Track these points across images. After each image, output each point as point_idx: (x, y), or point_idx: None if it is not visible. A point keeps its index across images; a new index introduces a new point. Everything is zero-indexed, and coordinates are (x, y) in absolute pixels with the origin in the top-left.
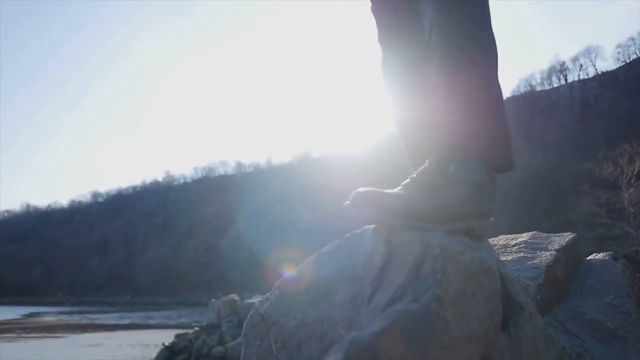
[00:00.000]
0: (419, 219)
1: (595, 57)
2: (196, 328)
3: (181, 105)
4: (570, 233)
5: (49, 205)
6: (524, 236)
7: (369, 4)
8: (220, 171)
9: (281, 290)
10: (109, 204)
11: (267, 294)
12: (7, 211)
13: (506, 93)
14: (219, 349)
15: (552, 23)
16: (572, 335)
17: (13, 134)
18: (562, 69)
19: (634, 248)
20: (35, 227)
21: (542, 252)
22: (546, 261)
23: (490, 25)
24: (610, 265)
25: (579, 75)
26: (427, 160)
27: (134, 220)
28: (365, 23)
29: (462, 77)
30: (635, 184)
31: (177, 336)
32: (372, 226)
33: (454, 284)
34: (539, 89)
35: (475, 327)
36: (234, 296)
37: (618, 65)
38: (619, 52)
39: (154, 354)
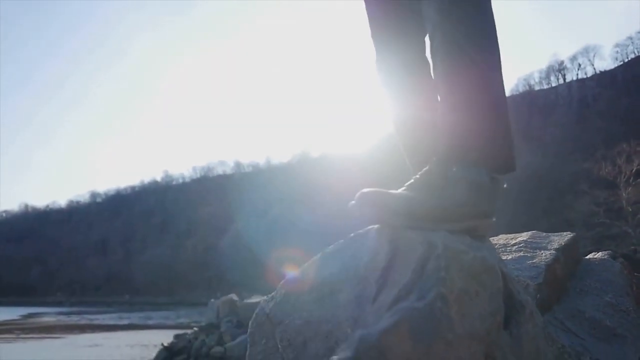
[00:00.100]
0: (422, 219)
1: (594, 56)
2: (195, 328)
3: (180, 105)
4: (569, 232)
5: (47, 206)
6: (524, 235)
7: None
8: (219, 171)
9: (286, 290)
10: (107, 204)
11: (272, 293)
12: (5, 211)
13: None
14: (218, 349)
15: (550, 22)
16: (572, 334)
17: (11, 134)
18: (560, 69)
19: (632, 247)
20: (34, 227)
21: (542, 251)
22: (546, 260)
23: (493, 25)
24: (609, 264)
25: (577, 74)
26: (430, 161)
27: (133, 220)
28: (364, 23)
29: (462, 77)
30: (634, 183)
31: (176, 336)
32: (375, 226)
33: (458, 283)
34: (537, 88)
35: (478, 326)
36: (233, 296)
37: (616, 65)
38: (617, 52)
39: (153, 354)
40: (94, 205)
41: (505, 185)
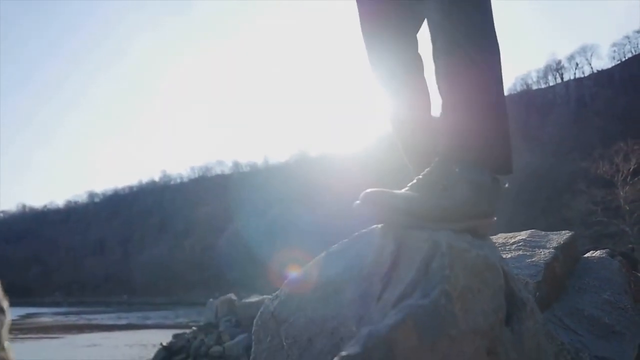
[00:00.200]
0: (425, 219)
1: (591, 55)
2: (194, 328)
3: (178, 105)
4: (568, 231)
5: (45, 206)
6: (523, 234)
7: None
8: (217, 171)
9: (290, 289)
10: (105, 204)
11: (277, 292)
12: (2, 211)
13: None
14: (216, 349)
15: (548, 22)
16: (571, 331)
17: (9, 133)
18: (558, 68)
19: (630, 246)
20: (31, 227)
21: (541, 250)
22: (545, 259)
23: (492, 25)
24: (607, 262)
25: (574, 73)
26: (431, 161)
27: (131, 220)
28: (356, 21)
29: (462, 77)
30: (631, 182)
31: (175, 336)
32: (379, 225)
33: (461, 280)
34: (535, 87)
35: (481, 322)
36: (232, 296)
37: (614, 64)
38: (614, 51)
39: (152, 354)
40: (91, 206)
41: (506, 185)
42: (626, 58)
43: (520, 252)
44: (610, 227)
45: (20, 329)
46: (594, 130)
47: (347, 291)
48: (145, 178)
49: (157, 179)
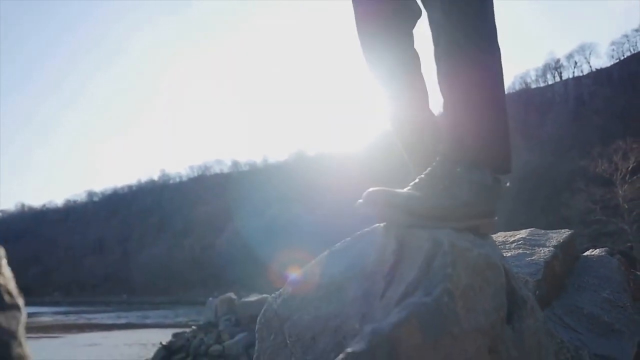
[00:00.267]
0: (428, 218)
1: (590, 54)
2: (193, 327)
3: (177, 104)
4: (567, 230)
5: (44, 205)
6: (522, 233)
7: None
8: (216, 170)
9: (293, 288)
10: (104, 203)
11: (280, 290)
12: (1, 211)
13: None
14: (216, 348)
15: (547, 20)
16: (570, 329)
17: (7, 133)
18: (556, 66)
19: (629, 244)
20: (30, 226)
21: (541, 248)
22: (544, 257)
23: (493, 25)
24: (607, 261)
25: (573, 72)
26: (432, 161)
27: (130, 220)
28: (351, 20)
29: (462, 77)
30: (630, 180)
31: (175, 335)
32: (382, 224)
33: (463, 279)
34: (533, 86)
35: (483, 320)
36: (231, 295)
37: (612, 63)
38: (613, 50)
39: (152, 353)
40: (91, 205)
41: (508, 184)
42: (625, 57)
43: (520, 251)
44: (609, 226)
45: None
46: (592, 128)
47: (350, 289)
48: (144, 177)
49: (156, 178)
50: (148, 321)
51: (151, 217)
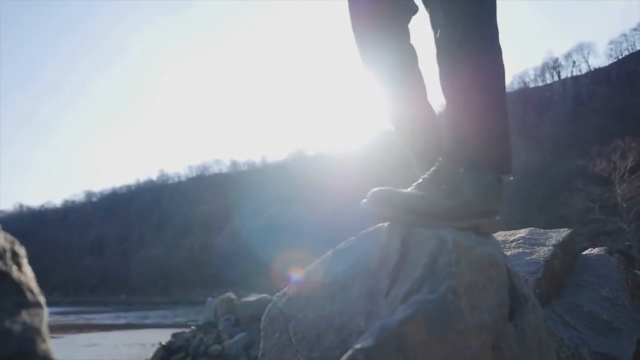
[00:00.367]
0: (431, 217)
1: (588, 53)
2: (193, 327)
3: (176, 104)
4: (566, 229)
5: (43, 205)
6: (522, 232)
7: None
8: (215, 170)
9: (298, 287)
10: (103, 203)
11: (284, 289)
12: (0, 211)
13: None
14: (216, 348)
15: (545, 19)
16: (570, 327)
17: (7, 133)
18: (555, 66)
19: (627, 243)
20: (29, 227)
21: (540, 247)
22: (544, 256)
23: (494, 24)
24: (606, 259)
25: (571, 71)
26: (436, 161)
27: (129, 220)
28: (347, 19)
29: (462, 77)
30: (628, 179)
31: (174, 335)
32: (386, 224)
33: (467, 277)
34: (532, 85)
35: (486, 317)
36: (231, 294)
37: (610, 62)
38: (611, 49)
39: (151, 354)
40: (89, 205)
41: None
42: (623, 56)
43: (520, 250)
44: (607, 225)
45: None
46: (591, 128)
47: (355, 287)
48: (143, 177)
49: (154, 178)
50: (147, 321)
51: (150, 217)
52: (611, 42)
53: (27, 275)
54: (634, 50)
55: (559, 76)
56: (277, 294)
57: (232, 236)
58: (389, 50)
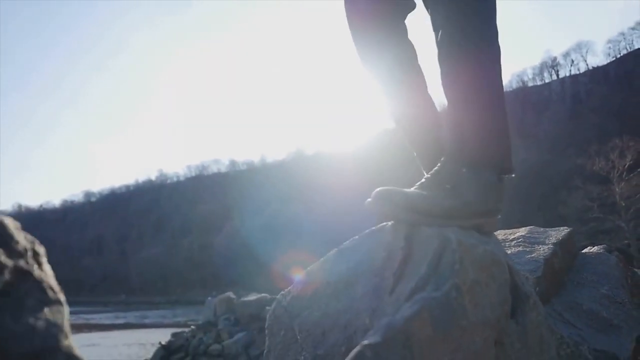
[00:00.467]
0: (434, 216)
1: (586, 52)
2: (192, 326)
3: (174, 104)
4: (566, 227)
5: (41, 205)
6: (522, 231)
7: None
8: (214, 169)
9: (302, 286)
10: (102, 203)
11: (289, 287)
12: None
13: None
14: (215, 347)
15: (543, 18)
16: (570, 325)
17: (5, 133)
18: (553, 65)
19: (626, 241)
20: (28, 227)
21: (540, 246)
22: (544, 255)
23: (494, 25)
24: (605, 257)
25: (570, 70)
26: (438, 160)
27: (128, 220)
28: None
29: (462, 78)
30: (627, 178)
31: (174, 335)
32: (389, 223)
33: (471, 275)
34: (530, 84)
35: (489, 314)
36: (230, 294)
37: (609, 61)
38: (609, 48)
39: (151, 353)
40: (88, 205)
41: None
42: (621, 55)
43: (520, 248)
44: (606, 223)
45: None
46: (589, 126)
47: (359, 286)
48: (142, 177)
49: (153, 178)
50: (147, 321)
51: (149, 217)
52: (609, 41)
53: (47, 273)
54: (632, 49)
55: (557, 75)
56: (282, 292)
57: (232, 236)
58: (387, 49)
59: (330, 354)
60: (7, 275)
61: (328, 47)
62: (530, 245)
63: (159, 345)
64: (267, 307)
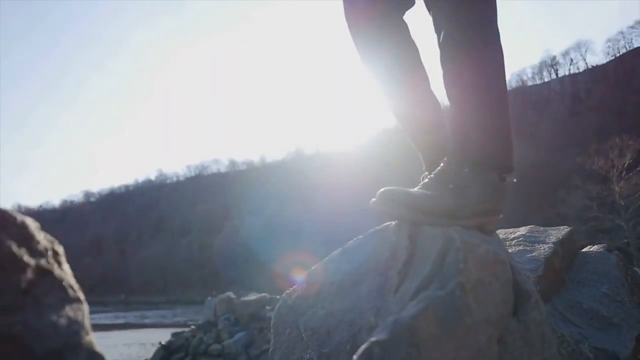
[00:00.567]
0: (438, 216)
1: (586, 51)
2: (192, 326)
3: (173, 103)
4: (566, 226)
5: (41, 206)
6: (522, 230)
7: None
8: (213, 169)
9: (307, 285)
10: (101, 203)
11: (294, 287)
12: None
13: None
14: (215, 347)
15: (542, 17)
16: (571, 324)
17: (4, 133)
18: (552, 64)
19: (625, 240)
20: None
21: (540, 245)
22: (544, 254)
23: (496, 26)
24: (605, 256)
25: (569, 69)
26: (441, 160)
27: (127, 220)
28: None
29: (464, 79)
30: (626, 177)
31: (174, 335)
32: (393, 222)
33: (474, 274)
34: (530, 83)
35: (492, 312)
36: (230, 294)
37: (608, 60)
38: (608, 46)
39: (151, 353)
40: (87, 205)
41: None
42: (620, 53)
43: (521, 247)
44: (605, 223)
45: None
46: (588, 125)
47: (364, 284)
48: (141, 177)
49: (153, 177)
50: (146, 321)
51: (149, 217)
52: (608, 40)
53: (66, 272)
54: (631, 48)
55: (556, 74)
56: (287, 291)
57: (231, 235)
58: (387, 49)
59: (336, 352)
60: (29, 274)
61: (328, 47)
62: (530, 245)
63: (159, 345)
64: (267, 307)
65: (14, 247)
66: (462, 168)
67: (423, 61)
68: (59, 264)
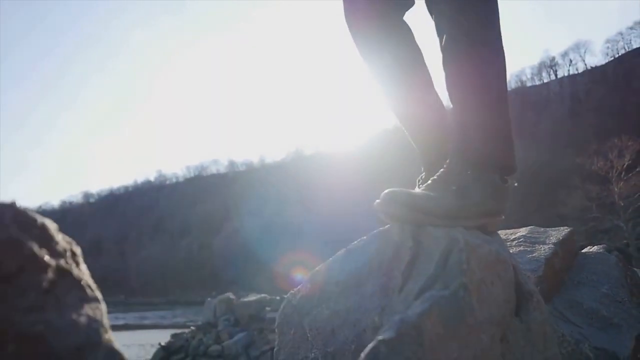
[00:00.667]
0: (441, 217)
1: (585, 52)
2: (192, 327)
3: (173, 104)
4: (566, 227)
5: (40, 207)
6: (523, 230)
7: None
8: (213, 170)
9: (311, 285)
10: (101, 204)
11: (298, 287)
12: None
13: None
14: (215, 348)
15: (542, 18)
16: (571, 324)
17: (3, 134)
18: (552, 64)
19: (625, 241)
20: None
21: (541, 245)
22: (545, 254)
23: (498, 29)
24: (605, 257)
25: (568, 70)
26: (443, 162)
27: (127, 220)
28: (341, 18)
29: (466, 79)
30: (625, 177)
31: (173, 335)
32: (397, 223)
33: (477, 274)
34: (529, 84)
35: (495, 312)
36: (230, 295)
37: (607, 60)
38: (607, 47)
39: (150, 354)
40: (87, 206)
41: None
42: (620, 54)
43: (521, 248)
44: (604, 223)
45: None
46: (588, 126)
47: (368, 285)
48: (140, 178)
49: (152, 178)
50: (146, 322)
51: (148, 217)
52: (608, 41)
53: (84, 272)
54: (630, 49)
55: (555, 75)
56: (291, 291)
57: (231, 236)
58: (387, 50)
59: (340, 352)
60: (50, 274)
61: (328, 47)
62: (531, 245)
63: (158, 346)
64: (267, 308)
65: (36, 248)
66: (464, 169)
67: (427, 62)
68: (77, 264)
